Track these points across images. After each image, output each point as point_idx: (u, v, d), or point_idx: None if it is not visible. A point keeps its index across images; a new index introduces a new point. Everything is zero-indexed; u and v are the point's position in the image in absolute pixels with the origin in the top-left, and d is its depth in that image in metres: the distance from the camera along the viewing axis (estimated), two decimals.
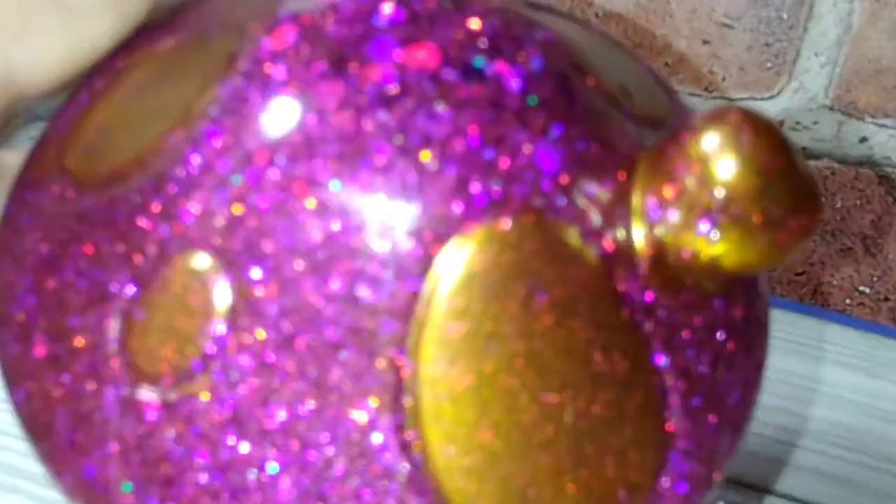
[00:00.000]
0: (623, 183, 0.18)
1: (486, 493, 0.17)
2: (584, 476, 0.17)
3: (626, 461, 0.18)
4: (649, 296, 0.18)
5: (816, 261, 0.47)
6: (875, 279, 0.47)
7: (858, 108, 0.44)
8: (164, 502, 0.17)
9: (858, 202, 0.46)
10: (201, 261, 0.17)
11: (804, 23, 0.43)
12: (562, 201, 0.17)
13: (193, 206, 0.18)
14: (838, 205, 0.46)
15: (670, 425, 0.19)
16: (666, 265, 0.17)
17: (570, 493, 0.17)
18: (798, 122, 0.45)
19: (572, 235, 0.17)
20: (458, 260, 0.17)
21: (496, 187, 0.17)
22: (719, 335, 0.19)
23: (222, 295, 0.17)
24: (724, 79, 0.45)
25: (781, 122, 0.45)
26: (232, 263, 0.17)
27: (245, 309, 0.17)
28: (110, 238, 0.18)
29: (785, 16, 0.43)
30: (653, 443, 0.18)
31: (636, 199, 0.17)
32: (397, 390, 0.17)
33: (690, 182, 0.17)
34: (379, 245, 0.17)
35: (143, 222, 0.18)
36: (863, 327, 0.43)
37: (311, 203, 0.17)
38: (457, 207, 0.17)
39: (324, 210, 0.17)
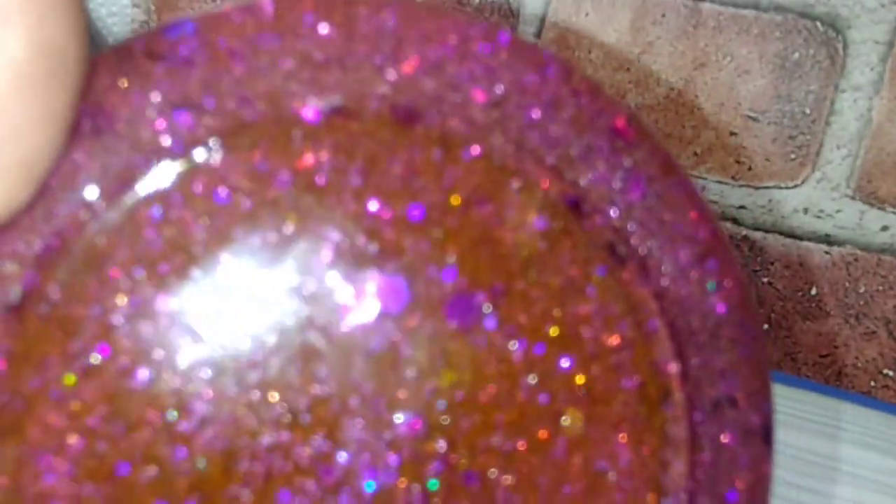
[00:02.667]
0: None
1: None
2: None
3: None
4: None
5: (841, 344, 0.49)
6: None
7: (879, 198, 0.46)
8: None
9: (881, 288, 0.47)
10: None
11: (826, 117, 0.46)
12: None
13: None
14: (861, 290, 0.48)
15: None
16: None
17: None
18: (822, 211, 0.47)
19: None
20: None
21: None
22: None
23: None
24: (749, 168, 0.47)
25: (806, 210, 0.47)
26: None
27: None
28: None
29: (808, 111, 0.46)
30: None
31: None
32: None
33: None
34: None
35: None
36: (885, 409, 0.44)
37: None
38: None
39: None
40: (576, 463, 0.16)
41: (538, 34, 0.49)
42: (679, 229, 0.16)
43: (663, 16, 0.47)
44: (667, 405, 0.16)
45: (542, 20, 0.49)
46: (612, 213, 0.16)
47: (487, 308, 0.16)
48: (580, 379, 0.16)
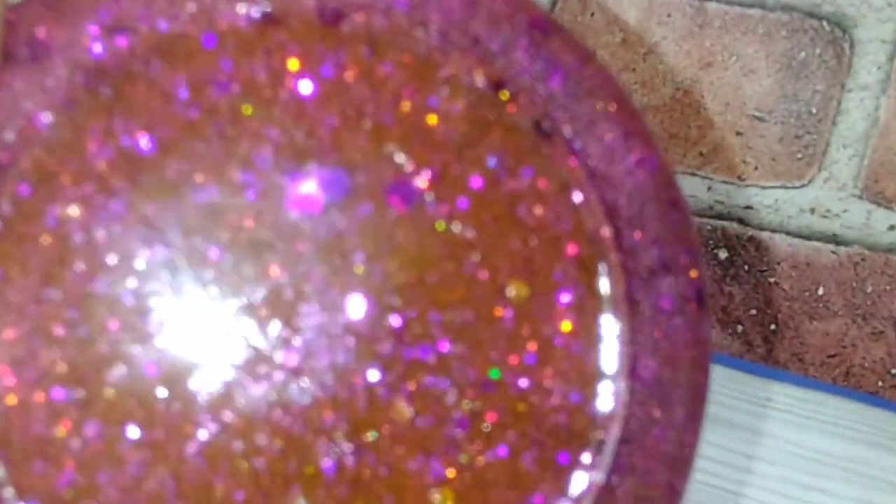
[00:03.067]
0: None
1: None
2: None
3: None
4: None
5: (848, 344, 0.49)
6: None
7: (886, 198, 0.46)
8: None
9: (888, 287, 0.47)
10: None
11: (833, 117, 0.45)
12: None
13: None
14: (869, 290, 0.47)
15: None
16: None
17: None
18: (828, 210, 0.47)
19: None
20: None
21: None
22: None
23: None
24: (756, 168, 0.47)
25: (812, 210, 0.47)
26: None
27: None
28: None
29: (814, 110, 0.46)
30: None
31: None
32: None
33: None
34: None
35: None
36: (894, 409, 0.44)
37: None
38: None
39: None
40: (524, 331, 0.17)
41: None
42: (600, 113, 0.17)
43: (669, 15, 0.47)
44: (603, 268, 0.17)
45: None
46: (535, 98, 0.17)
47: (429, 195, 0.17)
48: (521, 253, 0.17)
